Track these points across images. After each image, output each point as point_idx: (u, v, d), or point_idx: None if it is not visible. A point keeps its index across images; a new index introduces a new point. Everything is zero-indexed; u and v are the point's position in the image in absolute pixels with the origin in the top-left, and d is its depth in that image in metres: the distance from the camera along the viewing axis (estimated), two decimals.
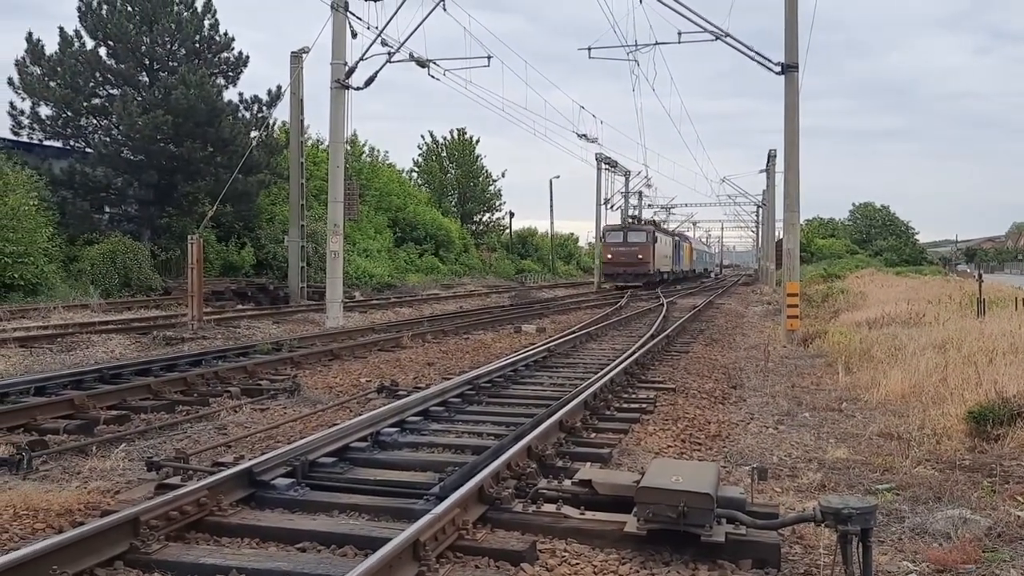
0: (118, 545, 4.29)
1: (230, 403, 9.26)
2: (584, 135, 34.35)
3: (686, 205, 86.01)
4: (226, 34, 32.03)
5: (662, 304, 27.11)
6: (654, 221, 55.52)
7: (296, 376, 11.10)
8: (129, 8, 29.85)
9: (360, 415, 7.84)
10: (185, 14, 30.83)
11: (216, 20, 31.74)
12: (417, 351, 14.82)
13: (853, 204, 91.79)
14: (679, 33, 19.54)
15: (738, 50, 18.69)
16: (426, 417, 8.13)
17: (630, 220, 52.84)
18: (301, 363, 12.53)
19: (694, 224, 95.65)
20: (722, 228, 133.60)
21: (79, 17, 29.68)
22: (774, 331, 19.17)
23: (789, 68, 17.99)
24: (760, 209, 68.84)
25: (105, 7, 29.64)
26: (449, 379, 10.45)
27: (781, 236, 28.34)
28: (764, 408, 9.44)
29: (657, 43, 21.28)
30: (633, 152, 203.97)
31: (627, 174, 56.30)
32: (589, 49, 22.02)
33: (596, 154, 48.49)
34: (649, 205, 66.52)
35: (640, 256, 45.97)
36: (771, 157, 49.35)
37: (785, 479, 6.36)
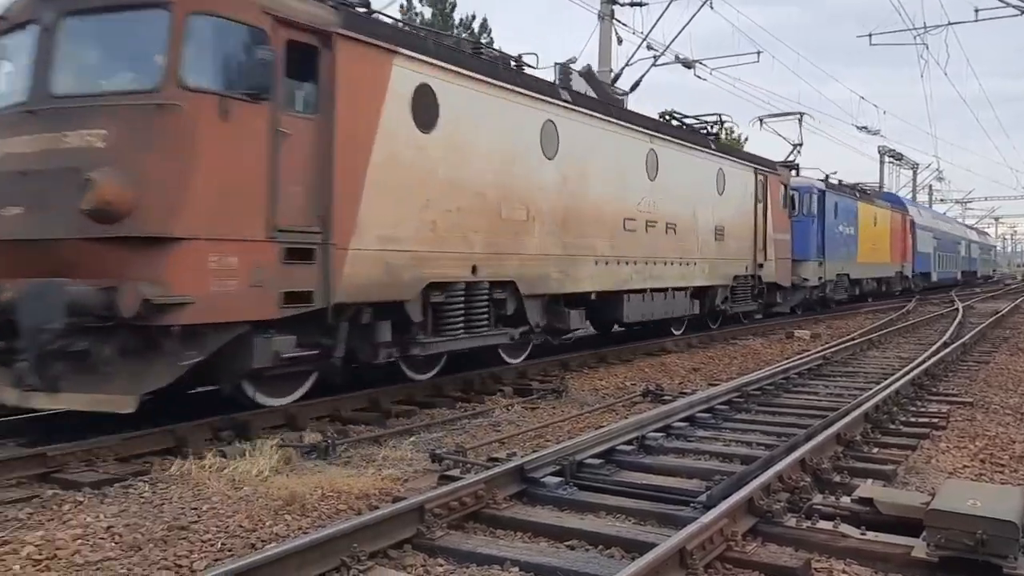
0: (407, 530, 4.68)
1: (503, 401, 9.74)
2: (864, 127, 32.06)
3: (985, 199, 76.43)
4: (500, 50, 33.82)
5: (956, 308, 24.57)
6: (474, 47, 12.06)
7: (564, 377, 11.43)
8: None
9: (626, 418, 7.93)
10: (464, 35, 32.99)
11: (491, 39, 33.68)
12: (682, 356, 14.65)
13: None
14: (976, 10, 17.69)
15: None
16: (692, 423, 8.03)
17: None
18: (568, 365, 12.87)
19: (996, 220, 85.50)
20: None
21: None
22: None
23: None
24: None
25: None
26: (716, 385, 10.24)
27: None
28: None
29: (949, 23, 19.36)
30: (922, 143, 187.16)
31: (915, 167, 51.78)
32: (870, 36, 20.56)
33: (879, 147, 44.98)
34: (942, 200, 60.10)
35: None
36: None
37: None
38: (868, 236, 28.56)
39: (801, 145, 23.79)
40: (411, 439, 7.71)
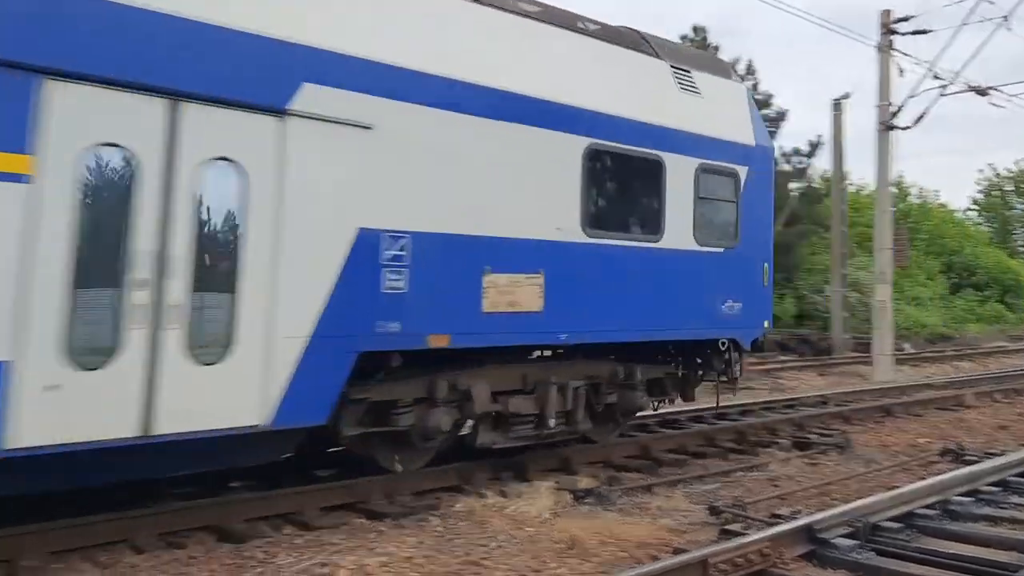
0: None
1: (780, 455, 9.31)
2: None
3: None
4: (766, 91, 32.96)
5: None
6: None
7: (846, 432, 10.71)
8: None
9: (923, 479, 7.27)
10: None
11: (756, 80, 32.83)
12: (984, 412, 13.17)
13: None
14: None
15: None
16: (1006, 488, 7.18)
17: None
18: (850, 418, 12.03)
19: None
20: None
21: None
22: None
23: None
24: None
25: None
26: None
27: None
28: None
29: None
30: None
31: None
32: None
33: None
34: None
35: None
36: None
37: None
38: None
39: None
40: (682, 489, 7.58)
